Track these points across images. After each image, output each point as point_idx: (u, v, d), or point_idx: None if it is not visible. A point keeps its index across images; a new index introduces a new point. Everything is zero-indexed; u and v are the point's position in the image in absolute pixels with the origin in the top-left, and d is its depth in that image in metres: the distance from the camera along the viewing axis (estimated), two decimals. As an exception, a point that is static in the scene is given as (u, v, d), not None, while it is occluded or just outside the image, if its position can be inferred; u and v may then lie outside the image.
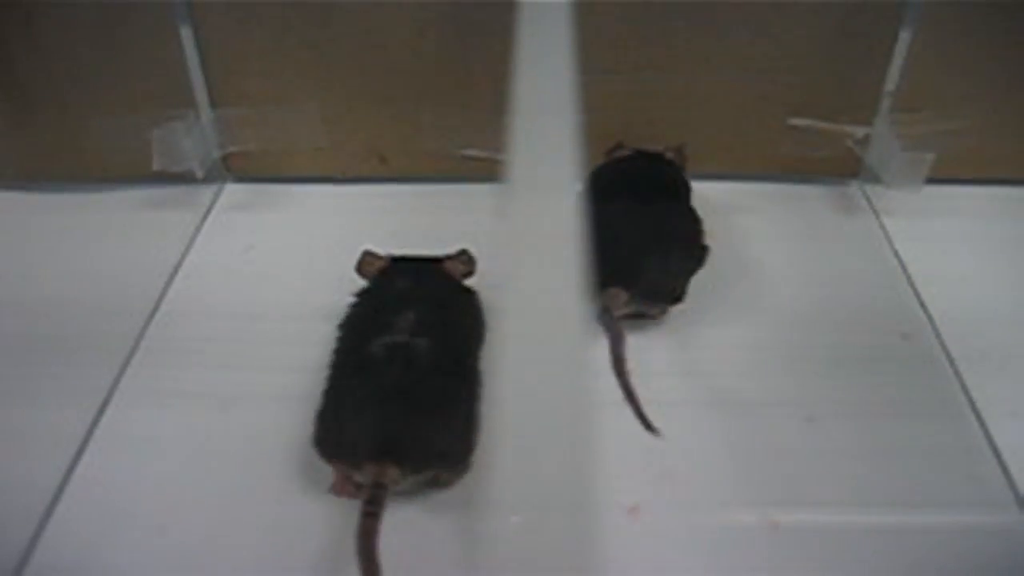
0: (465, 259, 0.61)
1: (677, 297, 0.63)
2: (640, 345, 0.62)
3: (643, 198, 0.65)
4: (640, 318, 0.63)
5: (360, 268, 0.61)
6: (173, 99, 0.75)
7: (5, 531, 0.51)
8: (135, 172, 0.76)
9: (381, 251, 0.62)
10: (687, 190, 0.69)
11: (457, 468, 0.52)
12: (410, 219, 0.76)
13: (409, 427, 0.49)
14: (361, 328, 0.56)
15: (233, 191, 0.81)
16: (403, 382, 0.50)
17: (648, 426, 0.56)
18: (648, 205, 0.65)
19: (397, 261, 0.61)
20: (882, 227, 0.75)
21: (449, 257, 0.61)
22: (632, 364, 0.59)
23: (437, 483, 0.52)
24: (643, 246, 0.62)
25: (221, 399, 0.58)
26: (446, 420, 0.51)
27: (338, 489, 0.52)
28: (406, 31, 0.72)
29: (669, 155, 0.71)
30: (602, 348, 0.61)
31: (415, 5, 0.71)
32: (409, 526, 0.50)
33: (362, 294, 0.59)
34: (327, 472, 0.52)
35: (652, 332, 0.63)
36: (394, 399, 0.50)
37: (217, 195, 0.80)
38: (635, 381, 0.59)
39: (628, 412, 0.57)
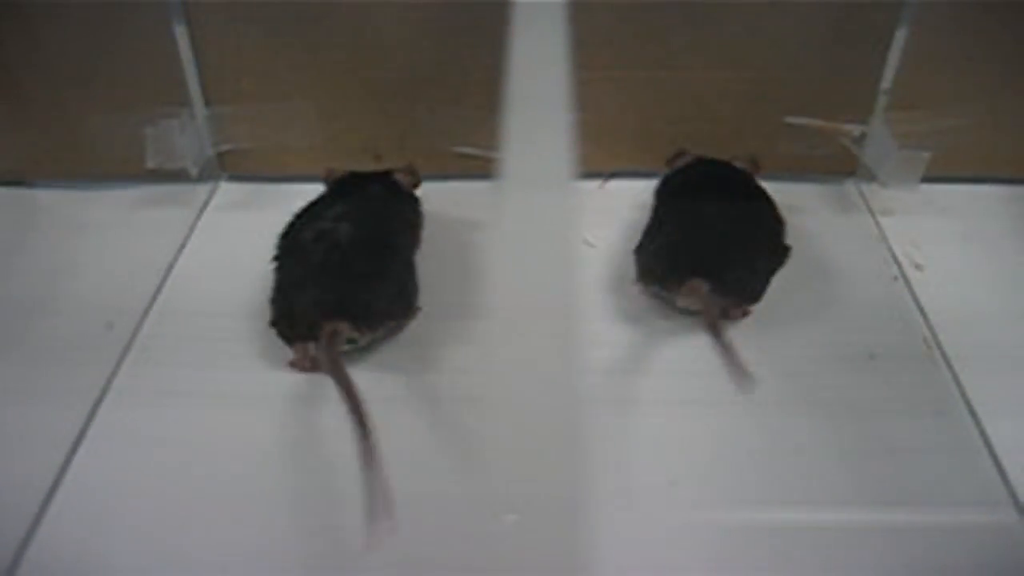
0: (410, 170, 0.71)
1: (756, 296, 0.63)
2: (637, 343, 0.62)
3: (729, 198, 0.66)
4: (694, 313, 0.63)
5: (324, 177, 0.70)
6: (167, 97, 0.75)
7: (-2, 529, 0.51)
8: (129, 170, 0.76)
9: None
10: (766, 194, 0.69)
11: (401, 320, 0.61)
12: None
13: (346, 292, 0.57)
14: (297, 222, 0.64)
15: (227, 189, 0.80)
16: (331, 260, 0.59)
17: (743, 379, 0.55)
18: (735, 205, 0.66)
19: (353, 174, 0.70)
20: (878, 225, 0.75)
21: (398, 169, 0.70)
22: (636, 362, 0.60)
23: (391, 333, 0.61)
24: (733, 243, 0.62)
25: (215, 397, 0.58)
26: (376, 285, 0.58)
27: (298, 364, 0.59)
28: (401, 29, 0.72)
29: (739, 164, 0.71)
30: (601, 347, 0.61)
31: (409, 3, 0.71)
32: (408, 526, 0.50)
33: (316, 199, 0.67)
34: (326, 471, 0.52)
35: (657, 332, 0.63)
36: (326, 274, 0.58)
37: (211, 193, 0.80)
38: (634, 380, 0.59)
39: (625, 410, 0.57)
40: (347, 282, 0.58)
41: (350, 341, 0.57)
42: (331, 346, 0.54)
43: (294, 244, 0.62)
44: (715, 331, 0.57)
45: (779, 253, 0.64)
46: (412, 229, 0.68)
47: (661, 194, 0.70)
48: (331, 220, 0.62)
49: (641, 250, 0.65)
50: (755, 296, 0.63)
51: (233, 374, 0.60)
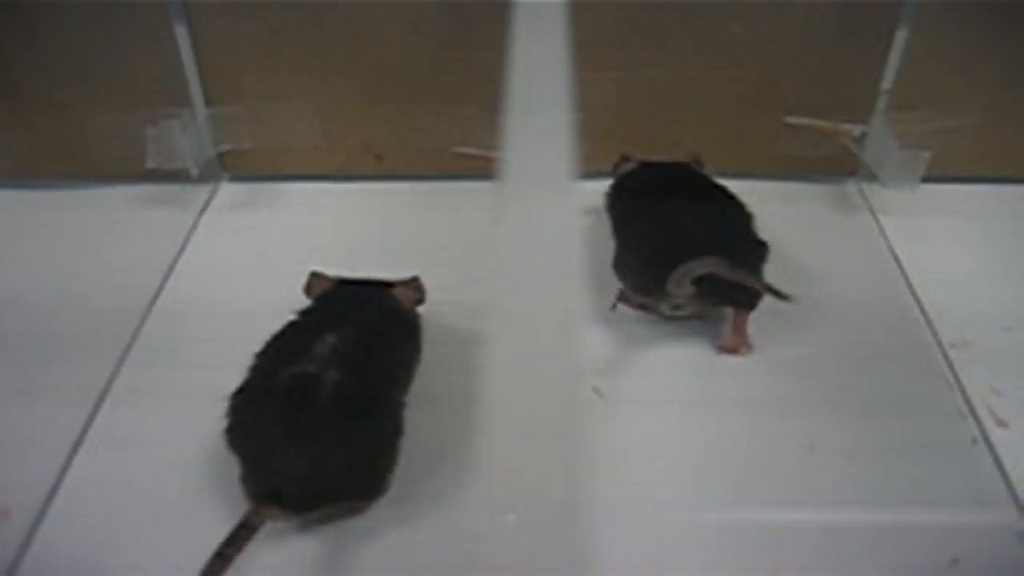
0: (415, 286, 0.60)
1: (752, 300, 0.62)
2: (637, 343, 0.62)
3: (700, 197, 0.65)
4: (684, 318, 0.63)
5: (307, 289, 0.59)
6: (168, 97, 0.75)
7: (0, 528, 0.51)
8: (130, 170, 0.76)
9: (330, 273, 0.60)
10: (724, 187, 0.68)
11: (353, 503, 0.50)
12: (405, 217, 0.76)
13: (291, 467, 0.47)
14: (278, 351, 0.53)
15: (228, 189, 0.81)
16: (298, 418, 0.48)
17: (780, 295, 0.55)
18: (706, 203, 0.65)
19: (344, 284, 0.59)
20: (879, 225, 0.75)
21: (401, 282, 0.60)
22: (632, 362, 0.60)
23: (348, 513, 0.50)
24: (706, 237, 0.61)
25: (217, 398, 0.58)
26: (338, 462, 0.48)
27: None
28: (401, 29, 0.72)
29: (684, 162, 0.71)
30: (601, 347, 0.61)
31: (410, 3, 0.71)
32: (407, 525, 0.50)
33: (300, 314, 0.56)
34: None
35: (652, 331, 0.63)
36: (283, 436, 0.48)
37: (212, 193, 0.80)
38: (632, 380, 0.59)
39: (624, 410, 0.57)
40: (299, 457, 0.47)
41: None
42: (243, 529, 0.46)
43: (266, 382, 0.51)
44: (736, 276, 0.57)
45: (756, 248, 0.63)
46: (408, 368, 0.56)
47: (618, 201, 0.69)
48: (317, 362, 0.50)
49: (626, 266, 0.64)
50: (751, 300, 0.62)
51: (233, 374, 0.60)
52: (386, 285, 0.59)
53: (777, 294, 0.56)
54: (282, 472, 0.47)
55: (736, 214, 0.65)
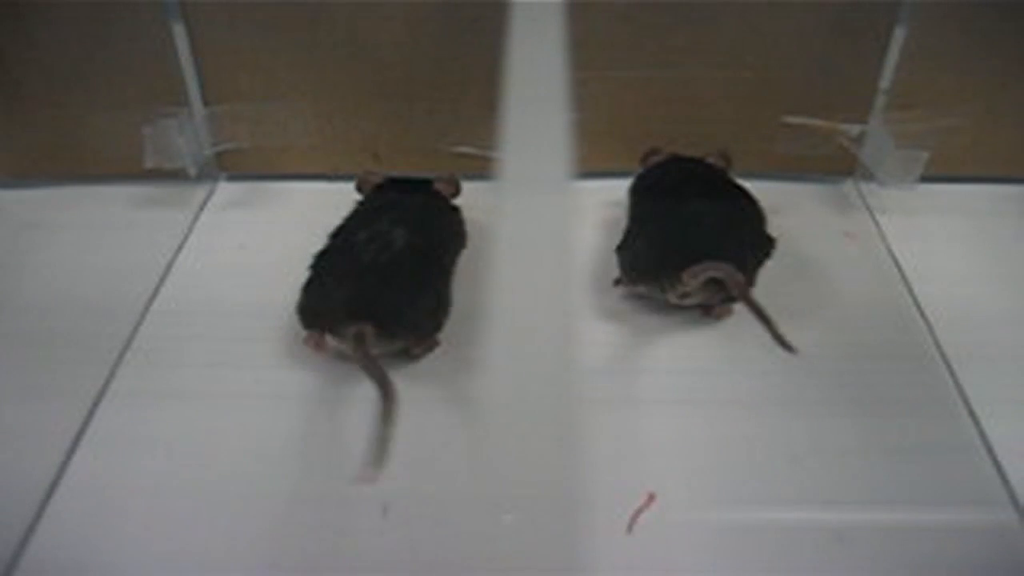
0: (451, 180, 0.69)
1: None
2: (636, 342, 0.62)
3: (710, 193, 0.66)
4: (691, 307, 0.64)
5: (359, 185, 0.69)
6: (165, 96, 0.75)
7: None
8: (127, 170, 0.76)
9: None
10: (743, 188, 0.69)
11: (425, 340, 0.60)
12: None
13: (384, 297, 0.57)
14: (350, 224, 0.63)
15: (226, 189, 0.80)
16: (380, 260, 0.58)
17: (785, 345, 0.55)
18: (717, 199, 0.66)
19: (393, 180, 0.69)
20: (876, 225, 0.75)
21: (439, 178, 0.69)
22: (629, 361, 0.59)
23: (407, 354, 0.60)
24: (722, 234, 0.62)
25: (214, 397, 0.58)
26: (416, 296, 0.58)
27: (311, 346, 0.59)
28: (399, 28, 0.72)
29: (710, 159, 0.71)
30: (600, 346, 0.61)
31: (408, 2, 0.71)
32: (407, 525, 0.50)
33: (358, 205, 0.67)
34: (324, 468, 0.52)
35: (650, 330, 0.63)
36: (372, 274, 0.58)
37: (210, 193, 0.80)
38: (632, 379, 0.59)
39: (624, 409, 0.57)
40: (386, 287, 0.57)
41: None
42: (360, 349, 0.54)
43: (345, 242, 0.61)
44: (748, 301, 0.57)
45: (765, 245, 0.64)
46: (458, 243, 0.67)
47: (637, 192, 0.71)
48: (387, 222, 0.61)
49: (627, 249, 0.65)
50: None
51: (232, 373, 0.60)
52: (427, 181, 0.69)
53: (780, 341, 0.56)
54: (375, 299, 0.56)
55: (751, 212, 0.66)
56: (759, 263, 0.63)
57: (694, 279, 0.59)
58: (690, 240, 0.61)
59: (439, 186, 0.69)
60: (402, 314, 0.57)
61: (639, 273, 0.63)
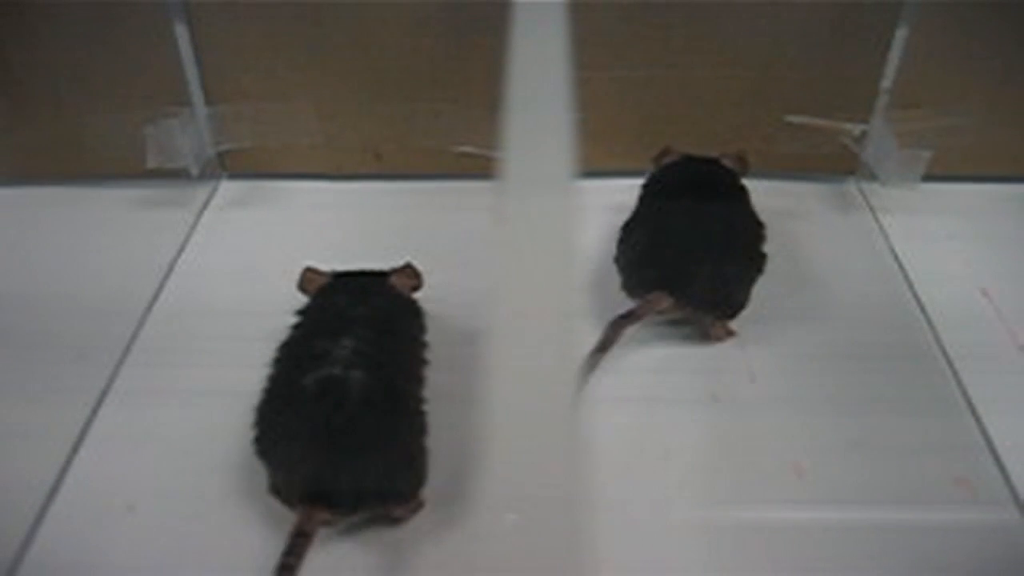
0: (410, 272, 0.60)
1: (736, 307, 0.62)
2: (637, 342, 0.62)
3: (702, 202, 0.65)
4: (686, 324, 0.63)
5: (302, 285, 0.59)
6: (168, 96, 0.75)
7: (0, 528, 0.51)
8: (130, 169, 0.76)
9: (324, 267, 0.60)
10: (746, 195, 0.68)
11: (398, 504, 0.50)
12: (405, 216, 0.76)
13: (338, 468, 0.47)
14: (296, 355, 0.53)
15: (228, 188, 0.80)
16: (335, 420, 0.48)
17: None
18: (707, 209, 0.64)
19: (340, 277, 0.59)
20: (879, 224, 0.75)
21: (395, 271, 0.60)
22: (630, 361, 0.59)
23: (385, 519, 0.50)
24: (699, 252, 0.61)
25: (217, 397, 0.58)
26: (381, 458, 0.48)
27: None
28: (401, 28, 0.72)
29: (726, 162, 0.70)
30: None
31: (410, 2, 0.71)
32: (407, 525, 0.50)
33: (303, 313, 0.57)
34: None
35: (651, 330, 0.63)
36: (324, 438, 0.47)
37: (212, 192, 0.80)
38: (630, 379, 0.59)
39: (623, 410, 0.57)
40: (346, 457, 0.47)
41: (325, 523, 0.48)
42: (300, 535, 0.46)
43: (293, 389, 0.50)
44: (604, 342, 0.57)
45: (755, 261, 0.63)
46: (422, 361, 0.57)
47: (643, 195, 0.69)
48: (341, 364, 0.50)
49: (618, 260, 0.65)
50: (730, 308, 0.62)
51: (235, 373, 0.60)
52: (381, 275, 0.59)
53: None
54: (328, 474, 0.47)
55: (745, 227, 0.64)
56: (750, 280, 0.62)
57: (654, 305, 0.59)
58: (663, 259, 0.61)
59: (396, 280, 0.59)
60: (361, 485, 0.48)
61: (624, 284, 0.63)
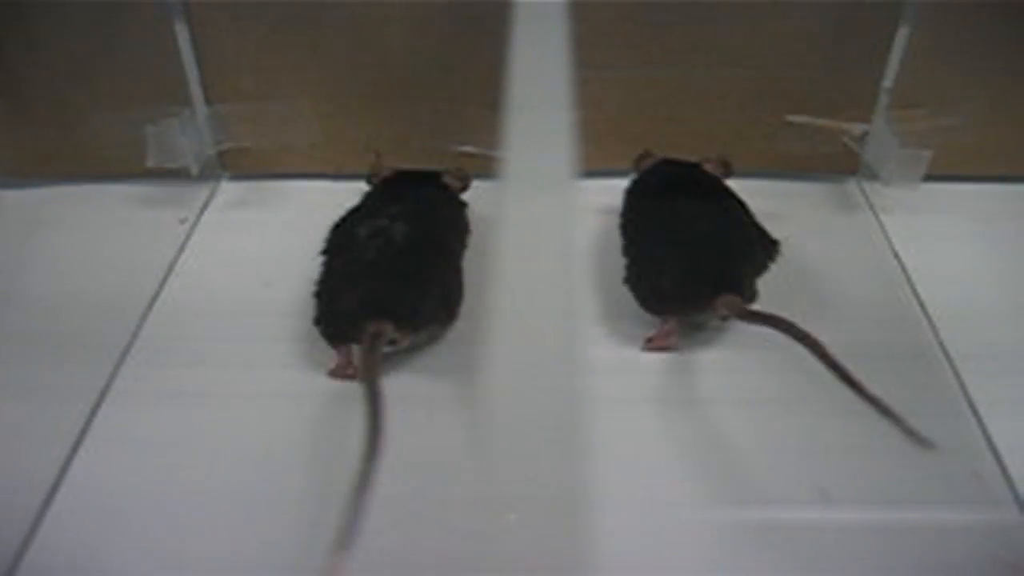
0: (461, 174, 0.70)
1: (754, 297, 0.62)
2: (637, 342, 0.62)
3: (706, 202, 0.65)
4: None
5: (369, 176, 0.70)
6: (168, 96, 0.75)
7: (-1, 529, 0.51)
8: (130, 169, 0.76)
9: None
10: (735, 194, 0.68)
11: (440, 325, 0.60)
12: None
13: (392, 292, 0.56)
14: (352, 218, 0.63)
15: (228, 188, 0.80)
16: (383, 257, 0.58)
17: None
18: (714, 210, 0.64)
19: (401, 172, 0.70)
20: (880, 224, 0.75)
21: (447, 171, 0.69)
22: (631, 361, 0.59)
23: (432, 338, 0.61)
24: (736, 250, 0.61)
25: (217, 397, 0.58)
26: (423, 287, 0.57)
27: (339, 372, 0.58)
28: (401, 27, 0.72)
29: (708, 166, 0.69)
30: (602, 346, 0.61)
31: (410, 2, 0.71)
32: (408, 525, 0.50)
33: (364, 196, 0.67)
34: (328, 471, 0.52)
35: (651, 331, 0.63)
36: (375, 272, 0.57)
37: (212, 192, 0.80)
38: (633, 379, 0.59)
39: (625, 409, 0.57)
40: (397, 282, 0.57)
41: (391, 343, 0.56)
42: (373, 348, 0.53)
43: (347, 239, 0.61)
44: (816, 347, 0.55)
45: (771, 248, 0.63)
46: (463, 234, 0.67)
47: (633, 207, 0.68)
48: (387, 218, 0.61)
49: (642, 279, 0.62)
50: (754, 297, 0.62)
51: (236, 373, 0.60)
52: (436, 173, 0.69)
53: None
54: (393, 296, 0.56)
55: (753, 223, 0.65)
56: (766, 268, 0.63)
57: (727, 308, 0.58)
58: (718, 262, 0.60)
59: (447, 179, 0.69)
60: (415, 306, 0.56)
61: (666, 303, 0.61)
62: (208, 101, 0.76)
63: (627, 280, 0.63)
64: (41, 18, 0.71)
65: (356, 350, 0.57)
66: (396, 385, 0.59)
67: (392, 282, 0.57)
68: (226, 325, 0.64)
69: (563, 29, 0.50)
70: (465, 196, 0.70)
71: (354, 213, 0.64)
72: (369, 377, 0.50)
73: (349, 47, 0.73)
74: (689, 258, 0.61)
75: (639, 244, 0.65)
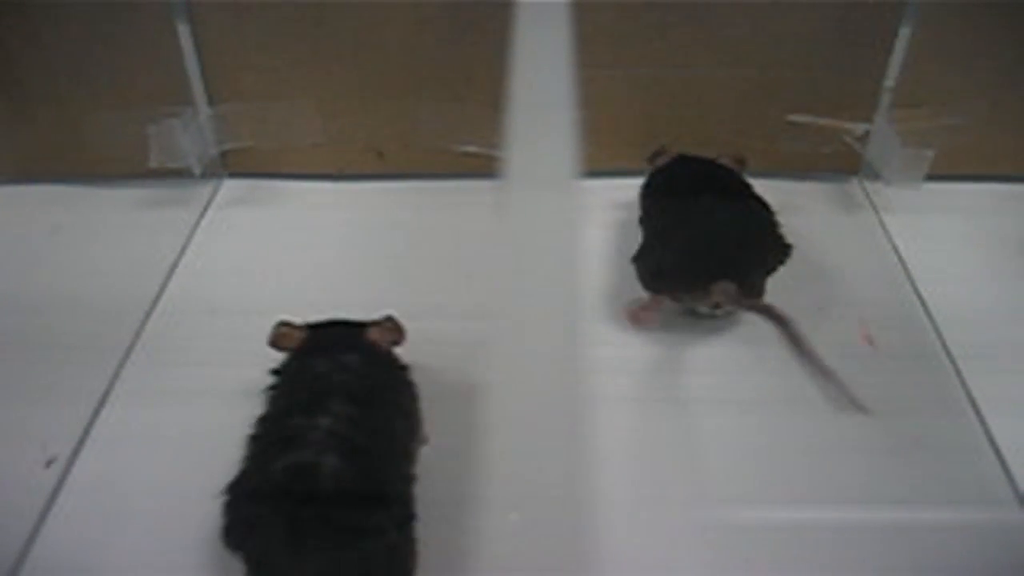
0: (391, 326, 0.54)
1: (761, 293, 0.62)
2: (640, 342, 0.62)
3: (725, 197, 0.65)
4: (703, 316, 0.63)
5: (274, 341, 0.54)
6: (170, 96, 0.75)
7: (2, 529, 0.51)
8: (132, 169, 0.76)
9: (297, 320, 0.55)
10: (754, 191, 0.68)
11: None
12: (407, 215, 0.76)
13: (309, 564, 0.42)
14: (270, 431, 0.48)
15: (231, 187, 0.81)
16: (305, 512, 0.43)
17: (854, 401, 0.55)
18: (733, 203, 0.65)
19: (315, 331, 0.54)
20: (882, 223, 0.75)
21: (374, 323, 0.54)
22: (633, 361, 0.59)
23: None
24: (745, 243, 0.62)
25: (219, 396, 0.58)
26: (356, 554, 0.43)
27: None
28: (403, 27, 0.72)
29: (723, 160, 0.70)
30: (603, 346, 0.61)
31: (412, 2, 0.71)
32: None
33: (279, 374, 0.52)
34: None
35: (653, 331, 0.63)
36: (292, 534, 0.43)
37: (215, 191, 0.80)
38: (633, 379, 0.59)
39: (626, 409, 0.57)
40: (312, 564, 0.43)
41: None
42: None
43: (261, 466, 0.46)
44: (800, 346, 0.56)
45: (782, 250, 0.64)
46: (411, 431, 0.52)
47: (650, 196, 0.69)
48: (313, 449, 0.45)
49: (647, 257, 0.63)
50: (760, 293, 0.62)
51: (237, 372, 0.60)
52: (360, 327, 0.54)
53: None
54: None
55: (768, 218, 0.65)
56: (775, 269, 0.63)
57: (722, 295, 0.59)
58: (722, 250, 0.61)
59: (375, 335, 0.53)
60: None
61: (663, 281, 0.62)
62: (210, 101, 0.76)
63: (634, 257, 0.64)
64: (43, 18, 0.71)
65: None
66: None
67: (311, 551, 0.42)
68: (228, 324, 0.64)
69: (565, 29, 0.50)
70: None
71: (267, 422, 0.49)
72: None
73: (351, 47, 0.73)
74: (694, 241, 0.61)
75: (655, 225, 0.65)
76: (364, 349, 0.52)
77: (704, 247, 0.61)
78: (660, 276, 0.62)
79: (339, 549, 0.43)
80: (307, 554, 0.42)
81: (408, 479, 0.48)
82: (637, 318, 0.62)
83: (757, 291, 0.61)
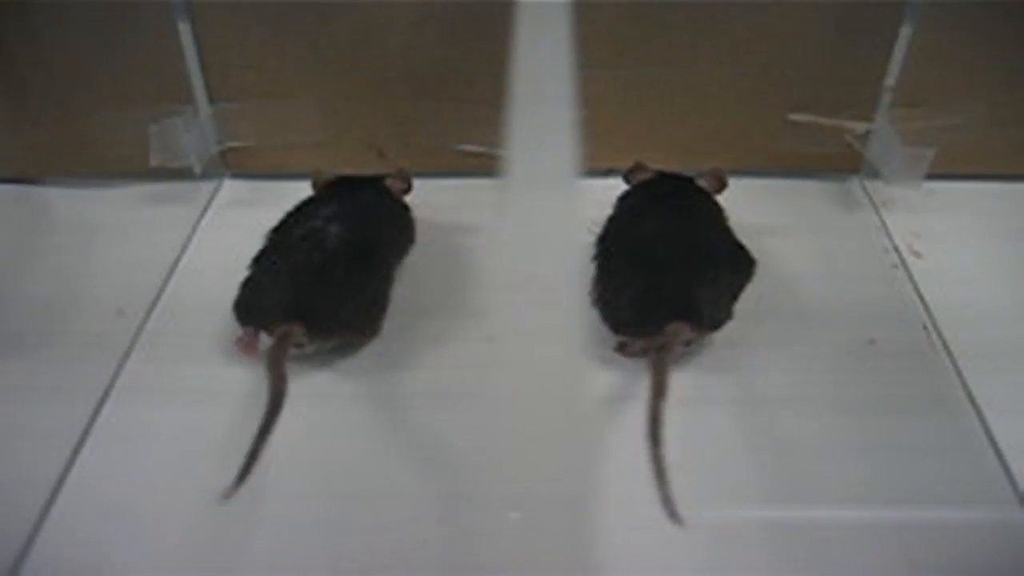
0: (403, 176, 0.69)
1: (720, 325, 0.59)
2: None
3: (678, 222, 0.62)
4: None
5: (313, 178, 0.69)
6: (171, 95, 0.75)
7: (2, 528, 0.51)
8: (133, 168, 0.76)
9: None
10: (721, 211, 0.66)
11: (356, 335, 0.60)
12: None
13: (309, 296, 0.57)
14: (290, 220, 0.63)
15: (231, 187, 0.81)
16: (313, 259, 0.58)
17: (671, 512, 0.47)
18: (685, 228, 0.62)
19: (344, 178, 0.69)
20: (882, 223, 0.75)
21: (389, 174, 0.69)
22: (632, 360, 0.59)
23: (345, 345, 0.60)
24: (694, 274, 0.58)
25: (219, 395, 0.58)
26: (343, 295, 0.58)
27: (241, 347, 0.58)
28: (404, 25, 0.72)
29: (701, 181, 0.67)
30: (605, 345, 0.61)
31: (414, 1, 0.71)
32: (408, 523, 0.50)
33: (305, 200, 0.66)
34: (330, 468, 0.52)
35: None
36: (304, 273, 0.58)
37: (215, 191, 0.80)
38: (634, 378, 0.59)
39: (626, 408, 0.57)
40: (317, 287, 0.57)
41: (298, 345, 0.57)
42: (280, 347, 0.55)
43: (282, 239, 0.62)
44: (653, 433, 0.50)
45: (746, 270, 0.61)
46: (399, 240, 0.67)
47: (612, 221, 0.65)
48: (322, 219, 0.61)
49: (599, 300, 0.60)
50: (719, 325, 0.60)
51: (238, 371, 0.60)
52: (379, 178, 0.69)
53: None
54: (308, 301, 0.56)
55: (724, 247, 0.62)
56: (739, 292, 0.61)
57: (675, 336, 0.55)
58: (673, 288, 0.57)
59: (389, 182, 0.69)
60: (330, 313, 0.57)
61: (620, 327, 0.59)
62: (211, 100, 0.76)
63: (591, 300, 0.60)
64: (44, 17, 0.71)
65: (264, 337, 0.58)
66: (397, 383, 0.59)
67: (312, 287, 0.57)
68: (229, 323, 0.64)
69: (566, 28, 0.50)
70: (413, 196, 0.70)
71: (292, 215, 0.64)
72: (273, 372, 0.53)
73: (352, 46, 0.74)
74: (639, 285, 0.58)
75: (603, 264, 0.61)
76: (380, 188, 0.68)
77: (650, 288, 0.58)
78: (616, 323, 0.59)
79: (341, 288, 0.58)
80: (316, 288, 0.57)
81: (393, 262, 0.65)
82: (630, 354, 0.60)
83: (716, 321, 0.59)
